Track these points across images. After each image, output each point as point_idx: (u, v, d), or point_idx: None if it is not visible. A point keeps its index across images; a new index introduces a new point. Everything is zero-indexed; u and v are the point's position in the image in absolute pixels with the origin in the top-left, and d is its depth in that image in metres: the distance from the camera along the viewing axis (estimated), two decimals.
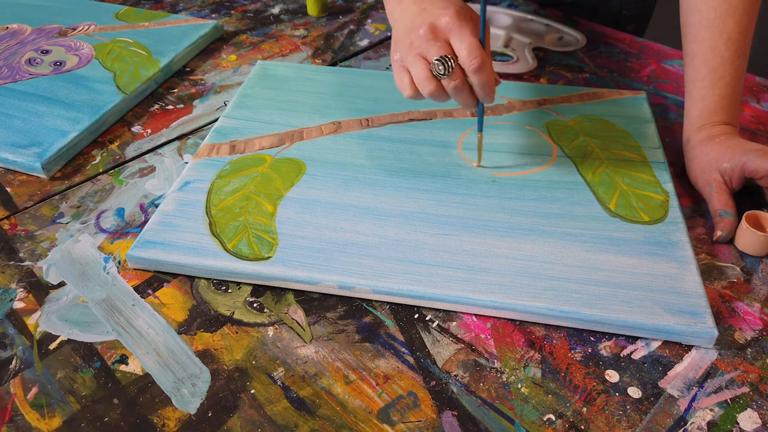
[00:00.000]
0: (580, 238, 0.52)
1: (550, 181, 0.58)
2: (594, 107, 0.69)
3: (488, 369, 0.45)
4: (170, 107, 0.71)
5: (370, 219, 0.53)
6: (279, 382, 0.43)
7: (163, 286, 0.50)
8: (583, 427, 0.41)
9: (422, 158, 0.61)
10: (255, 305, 0.49)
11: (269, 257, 0.50)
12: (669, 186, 0.58)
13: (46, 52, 0.77)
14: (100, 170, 0.62)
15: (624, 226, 0.53)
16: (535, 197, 0.56)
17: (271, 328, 0.47)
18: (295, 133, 0.64)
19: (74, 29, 0.82)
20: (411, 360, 0.45)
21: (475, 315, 0.48)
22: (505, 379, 0.44)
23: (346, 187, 0.57)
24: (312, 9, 0.91)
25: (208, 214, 0.54)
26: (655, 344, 0.46)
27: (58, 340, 0.46)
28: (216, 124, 0.65)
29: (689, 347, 0.46)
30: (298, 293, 0.50)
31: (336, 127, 0.65)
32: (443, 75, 0.51)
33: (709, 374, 0.44)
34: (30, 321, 0.47)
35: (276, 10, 0.93)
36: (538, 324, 0.48)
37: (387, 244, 0.51)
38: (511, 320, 0.48)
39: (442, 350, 0.46)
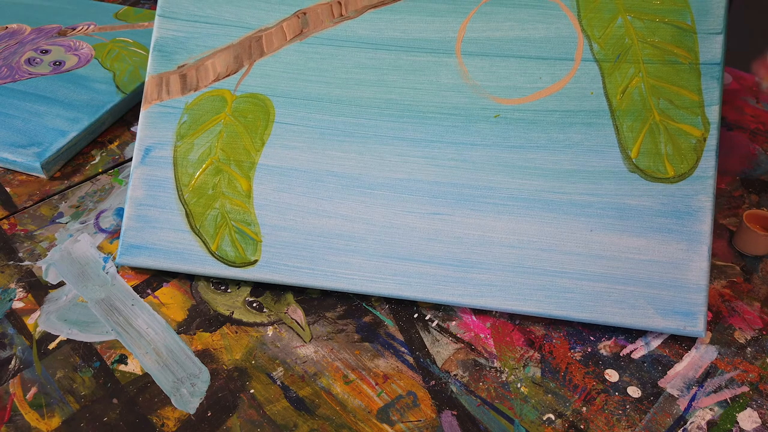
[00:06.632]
0: (586, 210, 0.47)
1: (566, 112, 0.48)
2: None
3: (488, 368, 0.44)
4: None
5: (355, 194, 0.48)
6: (278, 382, 0.43)
7: (162, 286, 0.50)
8: (582, 427, 0.41)
9: (411, 82, 0.50)
10: (254, 305, 0.49)
11: (256, 260, 0.48)
12: (714, 111, 0.47)
13: (46, 51, 0.77)
14: (100, 170, 0.62)
15: (641, 187, 0.47)
16: (545, 142, 0.48)
17: (271, 327, 0.47)
18: (253, 44, 0.51)
19: (74, 29, 0.82)
20: (410, 360, 0.45)
21: (475, 314, 0.48)
22: (504, 379, 0.44)
23: (323, 142, 0.49)
24: None
25: (181, 200, 0.50)
26: (655, 343, 0.46)
27: (57, 340, 0.46)
28: (154, 35, 0.52)
29: (689, 346, 0.46)
30: (297, 293, 0.50)
31: (301, 25, 0.51)
32: None
33: (708, 373, 0.44)
34: (29, 321, 0.47)
35: None
36: (538, 323, 0.47)
37: (374, 233, 0.48)
38: (511, 320, 0.48)
39: (442, 350, 0.46)
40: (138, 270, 0.51)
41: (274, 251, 0.48)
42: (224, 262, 0.49)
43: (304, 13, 0.51)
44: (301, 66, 0.51)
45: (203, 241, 0.49)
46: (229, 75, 0.51)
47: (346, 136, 0.49)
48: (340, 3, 0.51)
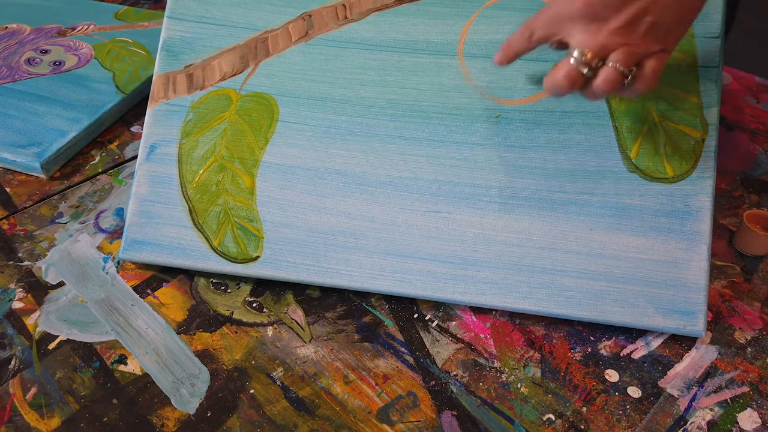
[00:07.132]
0: (586, 210, 0.47)
1: (565, 112, 0.48)
2: None
3: (488, 369, 0.44)
4: None
5: (357, 192, 0.49)
6: (278, 382, 0.43)
7: (162, 286, 0.50)
8: (582, 427, 0.41)
9: (413, 82, 0.50)
10: (254, 305, 0.49)
11: (257, 257, 0.49)
12: (713, 112, 0.48)
13: (46, 51, 0.76)
14: (99, 170, 0.62)
15: (640, 187, 0.47)
16: (545, 142, 0.48)
17: (271, 327, 0.47)
18: (259, 45, 0.52)
19: (73, 29, 0.82)
20: (410, 360, 0.45)
21: (475, 315, 0.48)
22: (504, 379, 0.44)
23: (326, 140, 0.50)
24: None
25: (185, 196, 0.50)
26: (655, 344, 0.46)
27: (57, 340, 0.46)
28: (162, 35, 0.53)
29: (689, 347, 0.46)
30: (297, 293, 0.50)
31: (307, 27, 0.51)
32: None
33: (709, 374, 0.44)
34: (29, 321, 0.47)
35: None
36: (538, 323, 0.47)
37: (375, 230, 0.48)
38: (511, 320, 0.48)
39: (442, 350, 0.46)
40: (140, 265, 0.51)
41: (275, 248, 0.49)
42: (226, 258, 0.49)
43: (310, 16, 0.52)
44: (305, 66, 0.51)
45: (206, 237, 0.49)
46: (234, 75, 0.52)
47: (349, 135, 0.50)
48: (344, 6, 0.51)
